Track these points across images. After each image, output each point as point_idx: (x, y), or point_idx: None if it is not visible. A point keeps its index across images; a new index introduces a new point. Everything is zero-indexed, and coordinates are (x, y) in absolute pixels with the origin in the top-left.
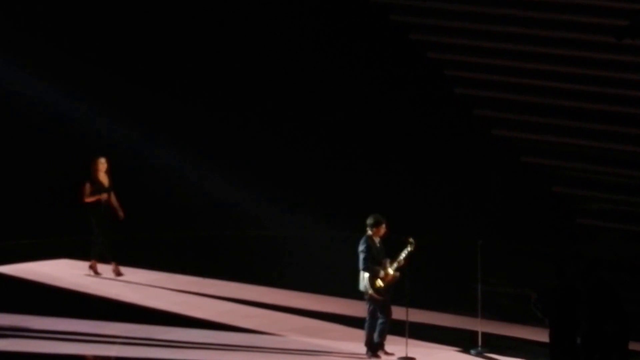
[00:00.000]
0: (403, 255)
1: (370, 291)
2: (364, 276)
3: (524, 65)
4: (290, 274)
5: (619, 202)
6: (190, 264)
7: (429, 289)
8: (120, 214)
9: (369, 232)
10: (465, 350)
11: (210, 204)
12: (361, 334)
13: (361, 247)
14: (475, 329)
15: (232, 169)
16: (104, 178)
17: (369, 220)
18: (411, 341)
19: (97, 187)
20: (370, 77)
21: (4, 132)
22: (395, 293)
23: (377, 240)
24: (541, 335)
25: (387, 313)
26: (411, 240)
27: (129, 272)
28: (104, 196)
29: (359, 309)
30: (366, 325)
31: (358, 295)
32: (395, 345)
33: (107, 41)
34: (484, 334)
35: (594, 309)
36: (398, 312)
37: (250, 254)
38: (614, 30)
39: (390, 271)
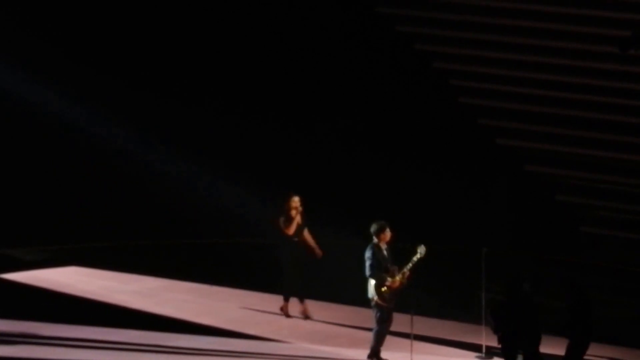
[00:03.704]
0: (411, 263)
1: (376, 297)
2: (370, 283)
3: (528, 75)
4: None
5: (622, 210)
6: (196, 271)
7: (434, 296)
8: (318, 252)
9: (375, 239)
10: (469, 356)
11: (216, 211)
12: (367, 340)
13: (367, 254)
14: (479, 335)
15: (239, 176)
16: (296, 217)
17: (373, 228)
18: (415, 347)
19: (290, 225)
20: (376, 86)
21: (13, 138)
22: (400, 300)
23: (383, 246)
24: (542, 343)
25: (389, 320)
26: (420, 249)
27: (137, 280)
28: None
29: (365, 315)
30: (373, 332)
31: (364, 302)
32: (399, 352)
33: (108, 45)
34: (488, 341)
35: (573, 314)
36: (403, 319)
37: (258, 261)
38: (618, 40)
39: (397, 278)
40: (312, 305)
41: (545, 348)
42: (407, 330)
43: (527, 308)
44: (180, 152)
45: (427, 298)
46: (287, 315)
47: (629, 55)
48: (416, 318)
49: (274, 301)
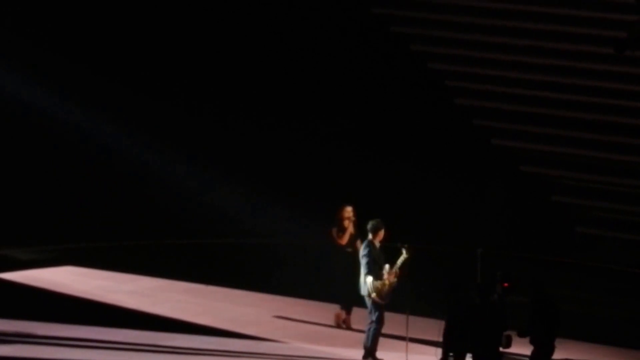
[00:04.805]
0: (399, 263)
1: (374, 295)
2: (368, 280)
3: (523, 76)
4: (293, 281)
5: (617, 210)
6: (193, 271)
7: (429, 296)
8: None
9: (370, 236)
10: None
11: (212, 211)
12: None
13: (363, 252)
14: None
15: (234, 177)
16: (349, 227)
17: (369, 226)
18: (411, 347)
19: (343, 235)
20: (372, 87)
21: (11, 138)
22: (396, 300)
23: (377, 244)
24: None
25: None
26: (405, 249)
27: (133, 279)
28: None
29: (362, 315)
30: (369, 331)
31: (361, 302)
32: (395, 352)
33: (110, 47)
34: None
35: (538, 319)
36: (398, 320)
37: (254, 261)
38: (613, 42)
39: (390, 277)
40: (310, 306)
41: (515, 348)
42: (402, 330)
43: (498, 309)
44: (178, 152)
45: (423, 298)
46: (349, 326)
47: (625, 57)
48: (411, 318)
49: (271, 301)
